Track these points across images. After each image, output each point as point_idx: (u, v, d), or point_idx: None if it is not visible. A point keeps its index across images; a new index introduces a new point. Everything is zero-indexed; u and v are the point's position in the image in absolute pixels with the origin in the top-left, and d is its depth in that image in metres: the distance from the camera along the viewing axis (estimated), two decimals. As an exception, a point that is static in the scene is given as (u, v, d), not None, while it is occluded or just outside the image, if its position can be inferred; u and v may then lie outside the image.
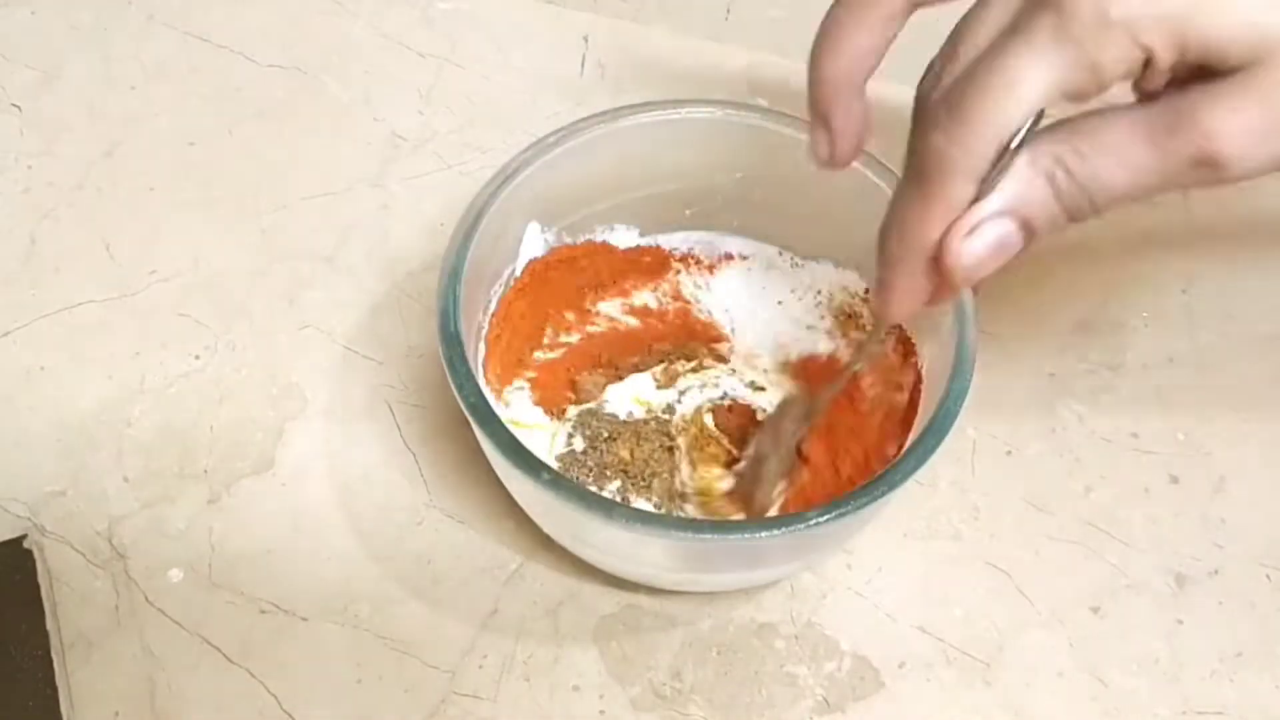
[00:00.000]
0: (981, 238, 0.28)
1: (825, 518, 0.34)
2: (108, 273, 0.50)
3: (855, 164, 0.41)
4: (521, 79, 0.58)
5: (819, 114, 0.32)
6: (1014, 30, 0.27)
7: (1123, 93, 0.28)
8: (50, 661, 0.39)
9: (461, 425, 0.44)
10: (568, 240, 0.45)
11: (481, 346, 0.43)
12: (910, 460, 0.35)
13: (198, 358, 0.48)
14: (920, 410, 0.40)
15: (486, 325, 0.43)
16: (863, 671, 0.41)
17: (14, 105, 0.56)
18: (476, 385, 0.36)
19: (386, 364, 0.48)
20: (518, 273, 0.44)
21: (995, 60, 0.27)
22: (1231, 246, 0.52)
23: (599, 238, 0.46)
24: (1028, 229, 0.28)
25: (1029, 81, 0.26)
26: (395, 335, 0.48)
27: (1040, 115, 0.27)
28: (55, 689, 0.38)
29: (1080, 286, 0.51)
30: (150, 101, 0.56)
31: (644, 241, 0.47)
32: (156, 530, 0.43)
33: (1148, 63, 0.26)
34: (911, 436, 0.38)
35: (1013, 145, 0.27)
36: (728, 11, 0.60)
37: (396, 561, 0.43)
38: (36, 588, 0.41)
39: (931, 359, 0.41)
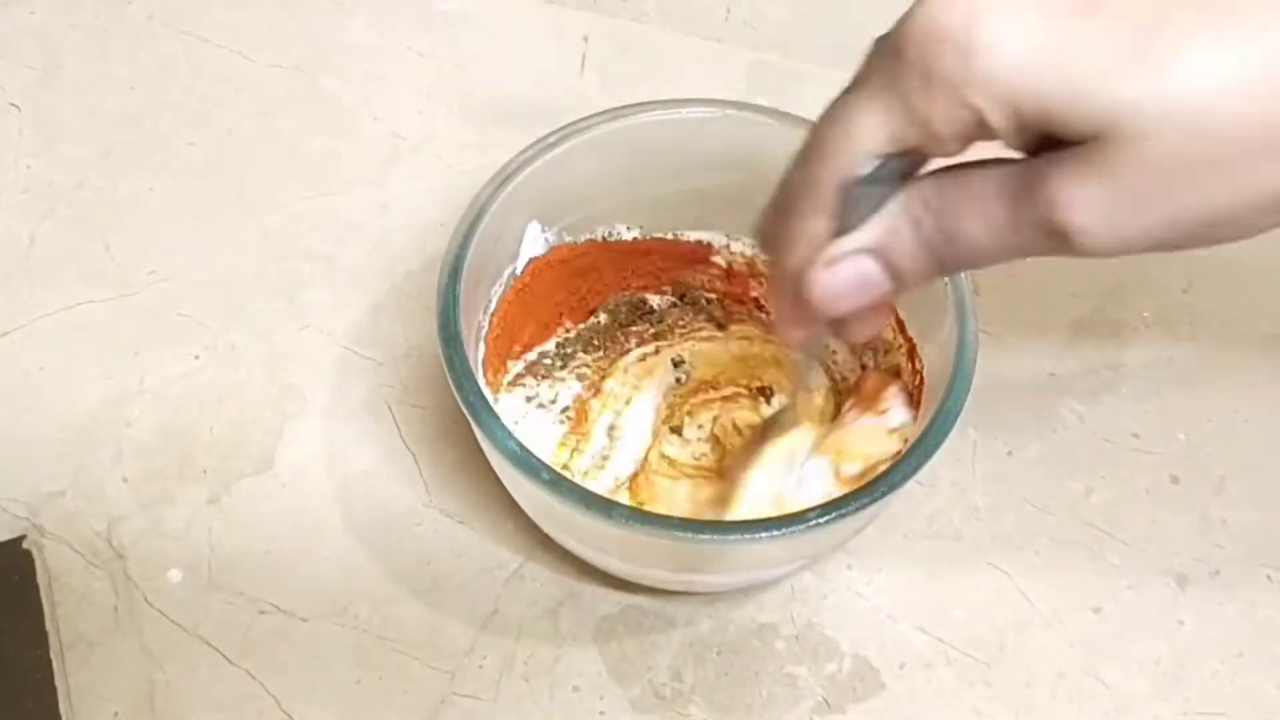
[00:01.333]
0: (840, 271, 0.29)
1: (825, 518, 0.34)
2: (108, 273, 0.50)
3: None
4: (521, 79, 0.58)
5: None
6: (857, 78, 0.27)
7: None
8: (49, 662, 0.39)
9: (461, 425, 0.44)
10: (568, 240, 0.45)
11: (481, 346, 0.43)
12: (911, 460, 0.35)
13: (198, 358, 0.48)
14: (921, 410, 0.40)
15: (486, 325, 0.43)
16: (863, 672, 0.41)
17: (14, 105, 0.56)
18: (476, 385, 0.36)
19: (386, 364, 0.48)
20: (518, 272, 0.44)
21: (838, 105, 0.27)
22: (1231, 246, 0.52)
23: (599, 237, 0.46)
24: (893, 270, 0.28)
25: (863, 127, 0.26)
26: (395, 335, 0.48)
27: (914, 158, 0.27)
28: (54, 690, 0.38)
29: (1080, 286, 0.51)
30: (150, 101, 0.56)
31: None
32: (156, 531, 0.43)
33: (986, 124, 0.25)
34: (912, 437, 0.38)
35: (862, 185, 0.27)
36: (728, 11, 0.60)
37: (396, 561, 0.43)
38: (36, 588, 0.41)
39: (932, 359, 0.41)
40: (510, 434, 0.36)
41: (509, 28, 0.60)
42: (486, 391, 0.38)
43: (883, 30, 0.27)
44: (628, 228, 0.47)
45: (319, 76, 0.57)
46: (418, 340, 0.48)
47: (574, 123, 0.42)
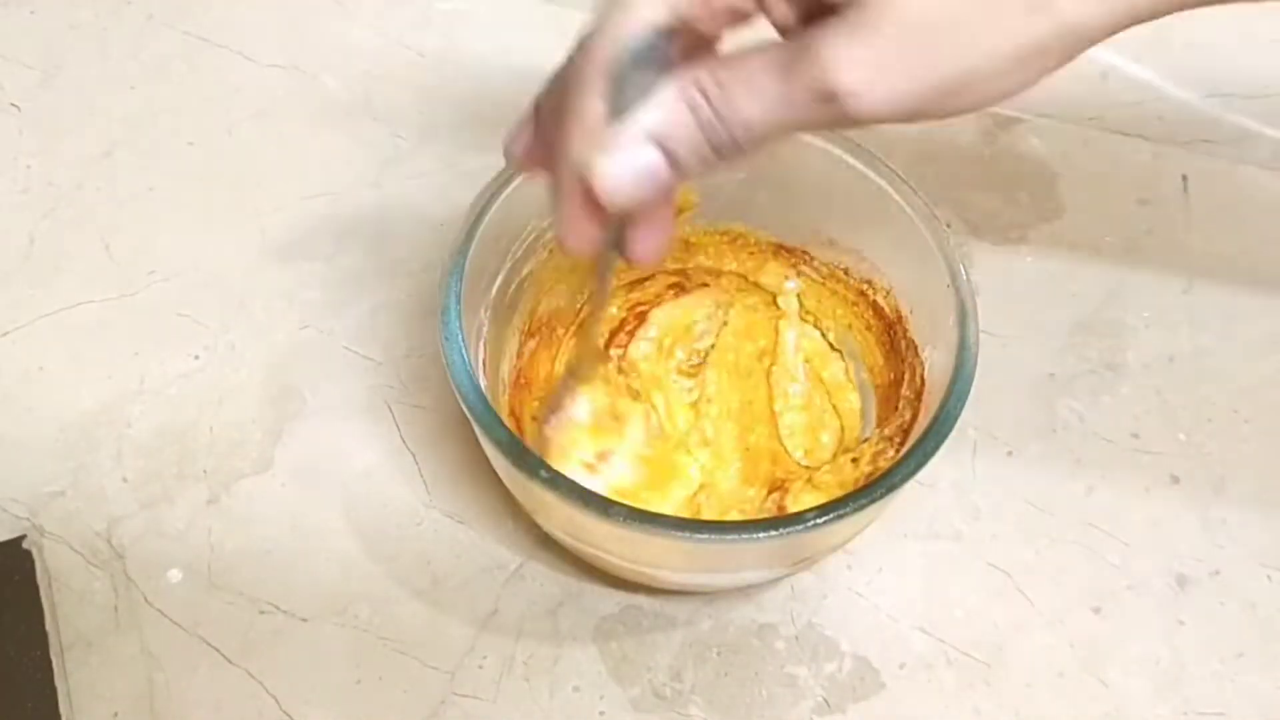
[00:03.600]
0: (624, 159, 0.29)
1: (825, 518, 0.34)
2: (108, 273, 0.50)
3: (857, 164, 0.41)
4: (521, 79, 0.58)
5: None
6: None
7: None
8: (49, 662, 0.39)
9: (461, 425, 0.44)
10: (568, 240, 0.45)
11: (481, 347, 0.43)
12: (911, 461, 0.35)
13: (197, 358, 0.48)
14: (921, 410, 0.40)
15: (487, 325, 0.43)
16: (863, 672, 0.41)
17: (14, 105, 0.56)
18: (477, 385, 0.36)
19: (386, 364, 0.48)
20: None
21: None
22: (1231, 246, 0.52)
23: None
24: (673, 159, 0.29)
25: (641, 2, 0.28)
26: (395, 335, 0.48)
27: (672, 39, 0.28)
28: (54, 689, 0.38)
29: (1080, 286, 0.51)
30: (150, 101, 0.56)
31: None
32: (155, 530, 0.43)
33: None
34: (912, 437, 0.38)
35: (632, 64, 0.28)
36: (728, 11, 0.60)
37: (396, 562, 0.43)
38: (35, 588, 0.41)
39: (932, 359, 0.41)
40: (511, 434, 0.36)
41: (509, 27, 0.60)
42: (487, 392, 0.38)
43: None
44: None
45: (319, 76, 0.57)
46: (418, 340, 0.48)
47: (574, 123, 0.42)
